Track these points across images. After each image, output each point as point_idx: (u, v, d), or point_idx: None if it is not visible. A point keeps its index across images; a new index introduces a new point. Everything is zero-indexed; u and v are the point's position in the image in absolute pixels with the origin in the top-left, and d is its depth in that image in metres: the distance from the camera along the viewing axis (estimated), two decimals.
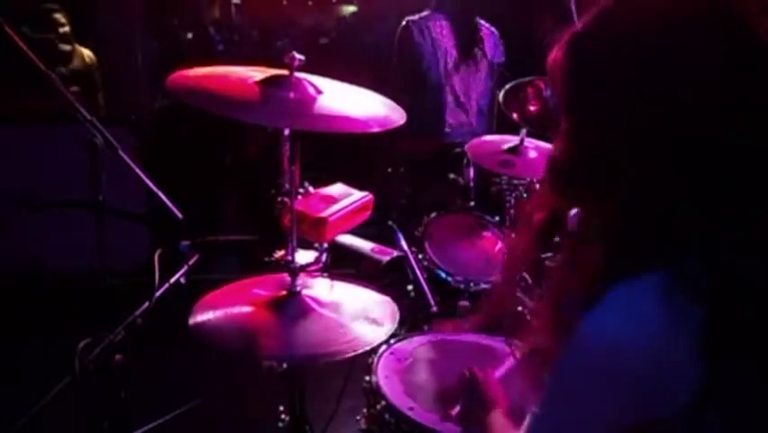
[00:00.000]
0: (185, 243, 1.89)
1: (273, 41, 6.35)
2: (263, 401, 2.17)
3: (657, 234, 0.90)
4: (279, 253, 1.75)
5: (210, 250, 1.94)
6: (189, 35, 6.15)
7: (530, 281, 2.53)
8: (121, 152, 1.91)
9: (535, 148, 2.61)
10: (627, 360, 0.87)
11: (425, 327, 2.09)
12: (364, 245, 2.08)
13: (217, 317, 1.66)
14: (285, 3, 6.87)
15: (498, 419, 1.25)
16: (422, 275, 2.26)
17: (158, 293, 1.72)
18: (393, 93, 1.80)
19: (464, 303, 2.32)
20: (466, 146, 2.65)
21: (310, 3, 7.14)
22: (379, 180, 3.67)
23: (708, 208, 0.88)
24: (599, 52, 0.93)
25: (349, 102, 1.69)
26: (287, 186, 1.68)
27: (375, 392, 1.65)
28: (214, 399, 2.91)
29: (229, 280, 1.82)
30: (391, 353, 1.79)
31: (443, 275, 2.37)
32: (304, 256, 1.76)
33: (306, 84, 1.64)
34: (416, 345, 1.84)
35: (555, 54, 0.98)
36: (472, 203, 2.69)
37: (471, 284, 2.35)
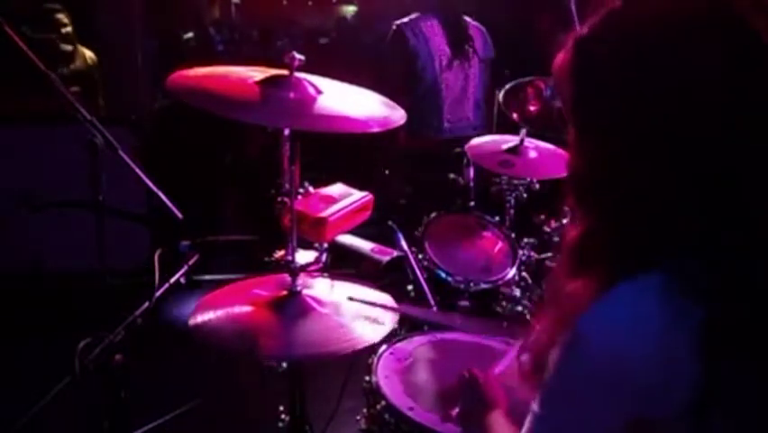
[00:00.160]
0: (185, 243, 1.89)
1: (273, 41, 6.35)
2: (263, 401, 2.18)
3: (657, 234, 0.90)
4: (280, 253, 1.75)
5: (210, 250, 1.94)
6: (189, 35, 6.14)
7: (530, 281, 2.53)
8: (121, 152, 1.91)
9: (535, 148, 2.61)
10: (630, 367, 0.87)
11: (425, 328, 2.09)
12: (364, 245, 2.09)
13: (217, 317, 1.66)
14: (285, 3, 6.88)
15: (498, 419, 1.25)
16: (422, 275, 2.26)
17: (158, 293, 1.73)
18: (391, 95, 1.80)
19: (464, 303, 2.32)
20: (466, 146, 2.65)
21: (310, 3, 7.15)
22: (379, 180, 3.68)
23: (708, 208, 0.88)
24: (603, 56, 0.93)
25: (349, 102, 1.68)
26: (287, 186, 1.68)
27: (375, 392, 1.65)
28: (214, 399, 2.91)
29: (229, 280, 1.83)
30: (391, 353, 1.79)
31: (443, 275, 2.36)
32: (304, 256, 1.76)
33: (306, 84, 1.64)
34: (416, 345, 1.84)
35: (561, 59, 0.98)
36: (472, 203, 2.69)
37: (471, 284, 2.35)
